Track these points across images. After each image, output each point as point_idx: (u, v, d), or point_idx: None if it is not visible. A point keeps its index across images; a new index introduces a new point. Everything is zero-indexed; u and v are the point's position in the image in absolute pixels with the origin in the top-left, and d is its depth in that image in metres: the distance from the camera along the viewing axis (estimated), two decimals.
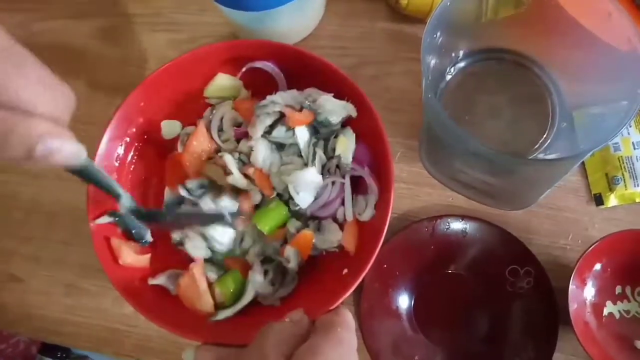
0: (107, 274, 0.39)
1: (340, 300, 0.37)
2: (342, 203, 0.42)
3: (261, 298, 0.41)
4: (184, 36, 0.54)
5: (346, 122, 0.43)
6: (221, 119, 0.45)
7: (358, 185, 0.43)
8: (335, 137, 0.43)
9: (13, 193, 0.52)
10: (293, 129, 0.42)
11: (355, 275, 0.38)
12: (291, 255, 0.41)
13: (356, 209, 0.42)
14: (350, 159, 0.42)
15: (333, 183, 0.42)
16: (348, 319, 0.32)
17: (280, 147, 0.43)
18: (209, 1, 0.45)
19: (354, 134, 0.43)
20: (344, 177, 0.42)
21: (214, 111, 0.46)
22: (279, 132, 0.42)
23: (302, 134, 0.42)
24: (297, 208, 0.41)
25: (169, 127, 0.46)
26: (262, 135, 0.42)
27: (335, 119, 0.42)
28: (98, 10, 0.55)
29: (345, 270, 0.39)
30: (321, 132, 0.43)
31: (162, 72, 0.43)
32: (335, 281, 0.39)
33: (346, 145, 0.42)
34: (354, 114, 0.42)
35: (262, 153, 0.42)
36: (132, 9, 0.55)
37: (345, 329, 0.31)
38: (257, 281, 0.40)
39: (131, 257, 0.40)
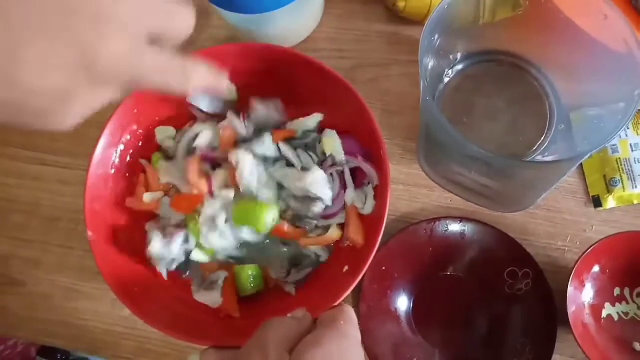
0: (106, 281, 0.39)
1: (342, 298, 0.37)
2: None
3: (274, 273, 0.42)
4: None
5: (339, 122, 0.43)
6: (194, 137, 0.44)
7: (354, 181, 0.43)
8: (319, 142, 0.44)
9: (12, 196, 0.52)
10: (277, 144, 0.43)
11: (356, 271, 0.38)
12: (320, 252, 0.42)
13: (357, 203, 0.42)
14: (342, 154, 0.43)
15: (332, 175, 0.42)
16: (350, 313, 0.32)
17: (264, 160, 0.43)
18: (207, 3, 0.45)
19: (334, 131, 0.43)
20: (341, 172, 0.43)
21: (188, 129, 0.45)
22: (267, 144, 0.42)
23: (286, 147, 0.43)
24: (321, 209, 0.41)
25: (163, 133, 0.46)
26: (246, 149, 0.42)
27: (311, 124, 0.43)
28: None
29: (346, 268, 0.39)
30: (304, 142, 0.44)
31: None
32: (336, 279, 0.39)
33: (332, 144, 0.43)
34: (319, 118, 0.43)
35: (248, 167, 0.41)
36: None
37: (348, 323, 0.31)
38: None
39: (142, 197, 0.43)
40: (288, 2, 0.43)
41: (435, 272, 0.45)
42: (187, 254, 0.42)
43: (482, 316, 0.44)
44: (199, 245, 0.42)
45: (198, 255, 0.42)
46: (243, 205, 0.40)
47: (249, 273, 0.41)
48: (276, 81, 0.44)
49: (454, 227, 0.45)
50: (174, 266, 0.42)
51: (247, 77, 0.45)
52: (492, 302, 0.44)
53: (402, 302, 0.45)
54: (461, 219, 0.45)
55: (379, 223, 0.38)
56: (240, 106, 0.45)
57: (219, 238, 0.41)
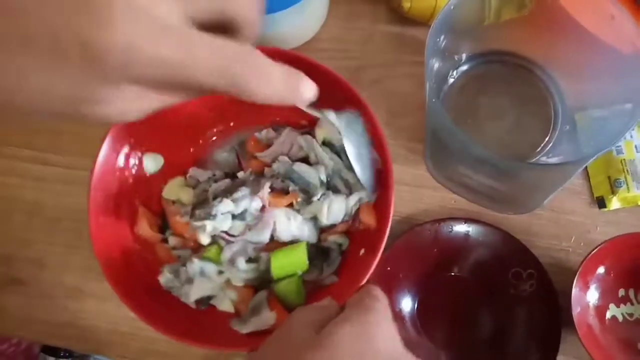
0: (111, 284, 0.38)
1: (364, 279, 0.37)
2: None
3: (308, 276, 0.41)
4: None
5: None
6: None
7: None
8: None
9: (14, 196, 0.51)
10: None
11: (373, 252, 0.38)
12: (340, 240, 0.42)
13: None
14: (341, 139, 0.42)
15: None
16: (376, 291, 0.31)
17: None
18: None
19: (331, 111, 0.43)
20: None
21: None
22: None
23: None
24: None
25: (152, 162, 0.45)
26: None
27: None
28: None
29: (362, 251, 0.40)
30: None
31: None
32: (355, 263, 0.40)
33: (326, 131, 0.43)
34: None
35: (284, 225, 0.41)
36: None
37: (375, 300, 0.30)
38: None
39: (145, 230, 0.42)
40: (293, 4, 0.43)
41: (440, 273, 0.45)
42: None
43: (486, 317, 0.44)
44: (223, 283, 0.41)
45: (224, 305, 0.41)
46: (279, 256, 0.40)
47: (294, 288, 0.40)
48: None
49: (459, 228, 0.45)
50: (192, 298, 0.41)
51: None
52: (497, 303, 0.44)
53: (407, 303, 0.45)
54: (466, 220, 0.45)
55: (388, 203, 0.38)
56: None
57: (244, 274, 0.40)
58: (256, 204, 0.41)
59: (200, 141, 0.47)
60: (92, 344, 0.48)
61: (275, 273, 0.39)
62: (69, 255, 0.49)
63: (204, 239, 0.40)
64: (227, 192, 0.41)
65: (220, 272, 0.40)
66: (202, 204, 0.42)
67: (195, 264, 0.39)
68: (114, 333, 0.47)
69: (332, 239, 0.42)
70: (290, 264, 0.40)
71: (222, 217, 0.40)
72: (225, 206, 0.40)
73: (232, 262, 0.40)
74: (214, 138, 0.48)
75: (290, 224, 0.40)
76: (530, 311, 0.43)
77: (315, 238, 0.42)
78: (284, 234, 0.41)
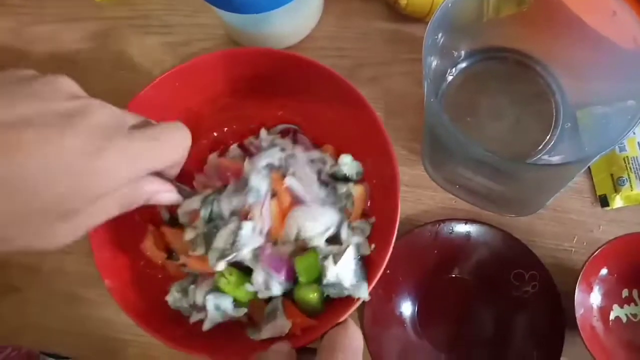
0: (112, 293, 0.38)
1: (381, 271, 0.36)
2: None
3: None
4: (177, 39, 0.52)
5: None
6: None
7: None
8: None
9: None
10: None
11: (385, 245, 0.37)
12: (363, 225, 0.40)
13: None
14: None
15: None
16: (354, 343, 0.30)
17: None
18: (202, 2, 0.44)
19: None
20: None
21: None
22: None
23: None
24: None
25: None
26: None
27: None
28: (88, 14, 0.54)
29: (373, 246, 0.39)
30: None
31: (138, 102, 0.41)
32: (368, 259, 0.39)
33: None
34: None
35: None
36: (122, 12, 0.54)
37: (348, 353, 0.29)
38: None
39: (151, 248, 0.41)
40: (287, 2, 0.42)
41: (440, 274, 0.45)
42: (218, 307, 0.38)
43: (488, 319, 0.44)
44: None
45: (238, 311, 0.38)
46: (303, 260, 0.37)
47: (315, 296, 0.36)
48: (273, 85, 0.43)
49: (460, 229, 0.44)
50: (201, 317, 0.38)
51: (242, 83, 0.44)
52: (499, 305, 0.43)
53: (407, 306, 0.44)
54: (467, 220, 0.44)
55: (394, 191, 0.38)
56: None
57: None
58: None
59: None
60: (90, 351, 0.47)
61: (304, 277, 0.36)
62: (65, 262, 0.49)
63: (220, 266, 0.36)
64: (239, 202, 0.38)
65: (239, 307, 0.37)
66: (213, 228, 0.38)
67: (210, 301, 0.36)
68: (112, 340, 0.47)
69: (356, 224, 0.40)
70: (316, 264, 0.37)
71: (248, 238, 0.36)
72: (248, 228, 0.36)
73: (266, 284, 0.36)
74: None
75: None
76: (533, 313, 0.42)
77: (341, 220, 0.39)
78: (308, 230, 0.37)
